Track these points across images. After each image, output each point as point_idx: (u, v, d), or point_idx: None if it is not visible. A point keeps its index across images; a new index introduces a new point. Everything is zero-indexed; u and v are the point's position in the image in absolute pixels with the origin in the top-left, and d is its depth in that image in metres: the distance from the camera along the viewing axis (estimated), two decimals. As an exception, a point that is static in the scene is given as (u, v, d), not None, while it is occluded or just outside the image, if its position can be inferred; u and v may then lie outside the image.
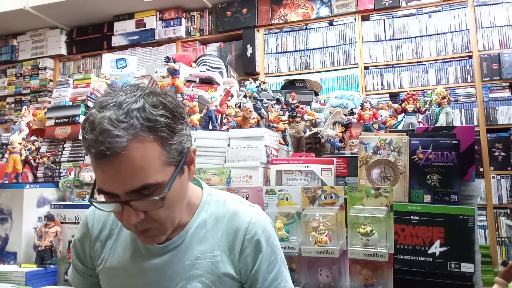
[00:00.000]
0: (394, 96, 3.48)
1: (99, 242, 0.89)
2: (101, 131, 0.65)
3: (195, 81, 2.03)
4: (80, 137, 2.08)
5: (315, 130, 1.85)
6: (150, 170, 0.68)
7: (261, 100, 1.71)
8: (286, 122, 1.84)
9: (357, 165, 1.34)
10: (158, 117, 0.69)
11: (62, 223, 1.67)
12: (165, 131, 0.70)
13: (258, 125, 1.66)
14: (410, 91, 1.72)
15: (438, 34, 3.44)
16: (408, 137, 1.28)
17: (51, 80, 4.53)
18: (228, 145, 1.59)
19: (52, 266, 1.59)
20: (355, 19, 3.67)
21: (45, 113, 2.18)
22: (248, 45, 3.84)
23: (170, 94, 0.75)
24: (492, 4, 3.34)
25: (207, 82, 2.05)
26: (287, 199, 1.32)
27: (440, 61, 3.41)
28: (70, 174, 1.91)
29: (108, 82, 2.10)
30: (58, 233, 1.63)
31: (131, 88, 0.71)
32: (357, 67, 3.60)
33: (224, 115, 1.82)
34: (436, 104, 1.61)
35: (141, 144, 0.67)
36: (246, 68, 3.83)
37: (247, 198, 1.31)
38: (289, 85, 2.78)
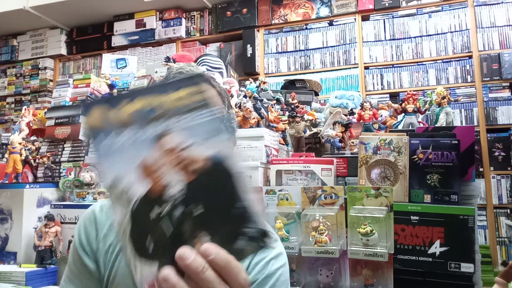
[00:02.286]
0: (394, 96, 3.49)
1: (102, 244, 0.82)
2: (175, 72, 0.76)
3: (195, 81, 2.03)
4: (81, 137, 2.08)
5: (315, 130, 1.85)
6: None
7: (261, 100, 1.71)
8: (286, 122, 1.84)
9: (357, 165, 1.34)
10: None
11: (62, 223, 1.67)
12: (223, 96, 0.83)
13: (258, 125, 1.66)
14: (410, 91, 1.72)
15: (438, 34, 3.45)
16: (408, 137, 1.28)
17: (51, 80, 4.54)
18: (228, 145, 1.58)
19: (52, 266, 1.59)
20: (355, 19, 3.67)
21: (45, 113, 2.18)
22: (248, 45, 3.84)
23: None
24: (492, 4, 3.34)
25: (207, 82, 2.04)
26: (287, 199, 1.32)
27: (440, 61, 3.42)
28: (70, 174, 1.91)
29: (108, 82, 2.10)
30: (58, 233, 1.63)
31: None
32: (357, 67, 3.60)
33: (224, 115, 1.82)
34: (436, 104, 1.61)
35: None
36: (246, 68, 3.83)
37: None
38: (289, 85, 2.78)
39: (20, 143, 1.92)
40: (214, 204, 0.45)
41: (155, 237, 0.44)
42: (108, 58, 2.54)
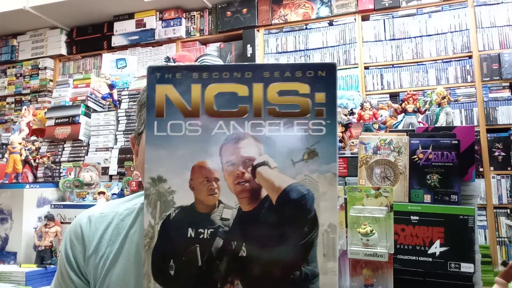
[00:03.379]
0: (394, 96, 3.49)
1: (93, 260, 0.76)
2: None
3: (195, 81, 2.03)
4: (81, 137, 2.08)
5: (315, 130, 1.85)
6: None
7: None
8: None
9: (357, 165, 1.34)
10: None
11: (62, 223, 1.67)
12: None
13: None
14: (410, 91, 1.72)
15: (438, 34, 3.45)
16: (408, 137, 1.28)
17: (51, 80, 4.54)
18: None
19: (52, 266, 1.59)
20: (355, 19, 3.68)
21: (45, 113, 2.19)
22: (248, 45, 3.84)
23: None
24: (492, 4, 3.34)
25: (207, 82, 2.04)
26: (287, 199, 1.31)
27: (440, 61, 3.42)
28: (70, 174, 1.91)
29: (108, 82, 2.10)
30: (58, 233, 1.63)
31: None
32: (357, 67, 3.60)
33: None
34: (436, 104, 1.61)
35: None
36: (246, 68, 3.83)
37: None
38: (289, 85, 2.78)
39: (20, 143, 1.92)
40: (265, 252, 0.33)
41: (180, 263, 0.35)
42: (108, 58, 2.54)
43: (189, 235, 0.34)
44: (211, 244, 0.34)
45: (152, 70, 0.37)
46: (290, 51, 3.83)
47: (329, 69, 0.35)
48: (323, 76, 0.35)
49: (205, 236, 0.34)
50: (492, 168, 3.16)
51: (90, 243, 0.76)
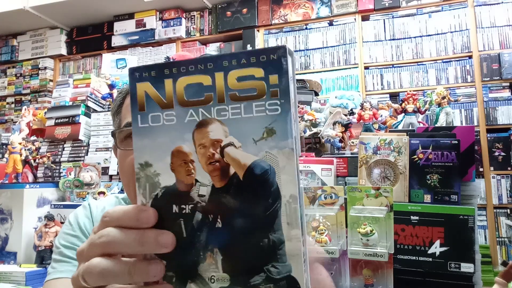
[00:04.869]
0: (394, 96, 3.49)
1: None
2: None
3: (195, 81, 2.03)
4: (81, 137, 2.08)
5: (315, 130, 1.85)
6: None
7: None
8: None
9: (357, 165, 1.34)
10: None
11: (62, 223, 1.67)
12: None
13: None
14: (410, 91, 1.72)
15: (438, 34, 3.45)
16: (408, 137, 1.28)
17: (51, 80, 4.54)
18: (228, 145, 1.58)
19: (52, 266, 1.59)
20: (355, 19, 3.68)
21: (45, 113, 2.19)
22: (248, 45, 3.84)
23: None
24: (492, 4, 3.34)
25: (207, 82, 2.05)
26: (287, 199, 1.31)
27: (440, 61, 3.42)
28: (70, 174, 1.91)
29: (108, 82, 2.10)
30: (58, 233, 1.63)
31: None
32: (357, 67, 3.61)
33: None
34: (436, 104, 1.61)
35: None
36: (246, 68, 3.83)
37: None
38: (289, 85, 2.77)
39: (20, 143, 1.92)
40: (236, 223, 0.37)
41: None
42: (108, 58, 2.54)
43: (174, 211, 0.39)
44: (192, 218, 0.39)
45: (132, 71, 0.41)
46: (290, 51, 3.82)
47: (280, 52, 0.37)
48: (274, 59, 0.37)
49: (187, 211, 0.39)
50: (492, 168, 3.17)
51: (96, 222, 0.84)
